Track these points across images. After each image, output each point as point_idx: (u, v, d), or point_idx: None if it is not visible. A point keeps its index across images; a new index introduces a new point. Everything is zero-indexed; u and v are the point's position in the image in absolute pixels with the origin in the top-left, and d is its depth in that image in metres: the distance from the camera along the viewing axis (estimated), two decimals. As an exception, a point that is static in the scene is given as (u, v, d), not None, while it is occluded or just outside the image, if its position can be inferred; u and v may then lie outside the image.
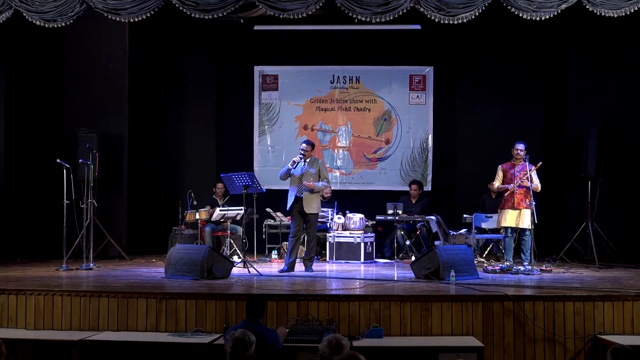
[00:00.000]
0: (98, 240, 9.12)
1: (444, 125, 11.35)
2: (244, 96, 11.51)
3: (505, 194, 8.36)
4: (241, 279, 7.09)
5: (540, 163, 8.33)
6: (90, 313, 6.00)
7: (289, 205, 8.09)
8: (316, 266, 8.49)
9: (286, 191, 8.25)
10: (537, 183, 8.27)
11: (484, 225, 9.64)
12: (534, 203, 7.96)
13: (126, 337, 5.73)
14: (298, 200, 8.04)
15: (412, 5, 7.46)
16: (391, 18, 7.55)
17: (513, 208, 8.26)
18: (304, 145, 8.17)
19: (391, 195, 10.65)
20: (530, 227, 8.02)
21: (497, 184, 8.55)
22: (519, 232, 8.39)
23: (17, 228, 9.37)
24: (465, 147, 11.21)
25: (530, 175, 8.19)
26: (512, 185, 8.27)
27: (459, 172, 11.24)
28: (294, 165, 8.07)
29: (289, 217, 9.02)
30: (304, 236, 8.41)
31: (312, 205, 8.08)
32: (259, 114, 11.51)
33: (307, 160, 8.14)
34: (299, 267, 8.29)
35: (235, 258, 9.12)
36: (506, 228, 8.39)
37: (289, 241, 8.19)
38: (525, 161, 8.26)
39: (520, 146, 8.35)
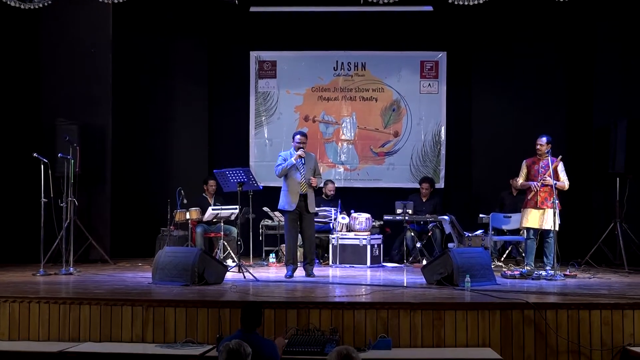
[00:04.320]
0: (79, 242, 9.11)
1: (458, 116, 11.35)
2: (239, 84, 11.51)
3: (528, 192, 8.36)
4: (236, 285, 7.09)
5: (560, 157, 8.31)
6: (70, 322, 5.99)
7: (290, 205, 8.05)
8: (318, 271, 8.51)
9: (285, 188, 8.25)
10: (563, 180, 8.26)
11: (502, 226, 9.62)
12: (556, 201, 7.94)
13: (109, 348, 5.72)
14: (301, 198, 8.04)
15: (423, -16, 7.44)
16: (400, -2, 7.53)
17: (536, 207, 8.26)
18: (301, 137, 8.15)
19: (400, 193, 10.64)
20: (554, 229, 7.99)
21: (520, 180, 8.56)
22: (541, 234, 8.38)
23: (-10, 229, 9.39)
24: (481, 140, 11.20)
25: (556, 171, 8.18)
26: (535, 183, 8.27)
27: (474, 168, 11.24)
28: (301, 160, 8.05)
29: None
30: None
31: (313, 204, 8.15)
32: (256, 104, 11.50)
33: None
34: (299, 272, 8.29)
35: (229, 262, 9.11)
36: (528, 229, 8.38)
37: (288, 245, 8.19)
38: (549, 156, 8.22)
39: (541, 140, 8.33)
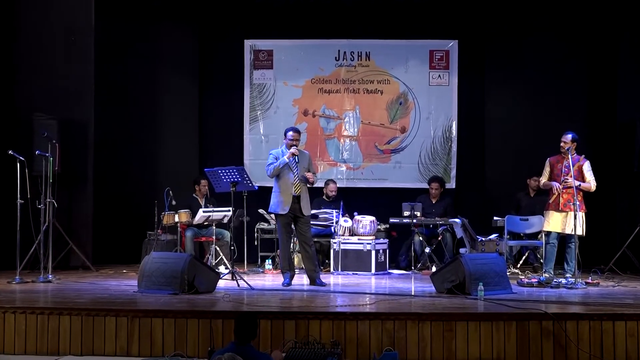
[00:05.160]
0: (58, 247, 9.10)
1: (471, 110, 11.34)
2: (232, 76, 11.51)
3: (550, 194, 8.35)
4: (229, 294, 7.09)
5: (583, 155, 8.32)
6: (49, 334, 5.98)
7: (283, 208, 8.03)
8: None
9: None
10: (589, 180, 8.25)
11: (518, 230, 9.62)
12: (577, 204, 7.93)
13: (92, 362, 5.74)
14: (295, 200, 8.02)
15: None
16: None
17: (558, 210, 8.27)
18: (294, 134, 8.12)
19: (408, 194, 10.63)
20: (579, 233, 7.95)
21: (543, 179, 8.56)
22: (563, 238, 8.38)
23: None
24: (496, 136, 11.20)
25: (581, 171, 8.20)
26: (557, 184, 8.25)
27: (488, 166, 11.24)
28: (294, 159, 8.04)
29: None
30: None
31: (308, 206, 8.14)
32: (250, 97, 11.50)
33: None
34: (297, 279, 8.30)
35: (221, 268, 9.11)
36: (549, 233, 8.39)
37: (282, 250, 8.19)
38: (569, 154, 8.19)
39: (565, 137, 8.30)
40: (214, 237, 9.43)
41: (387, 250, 9.71)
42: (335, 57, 11.44)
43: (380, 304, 6.63)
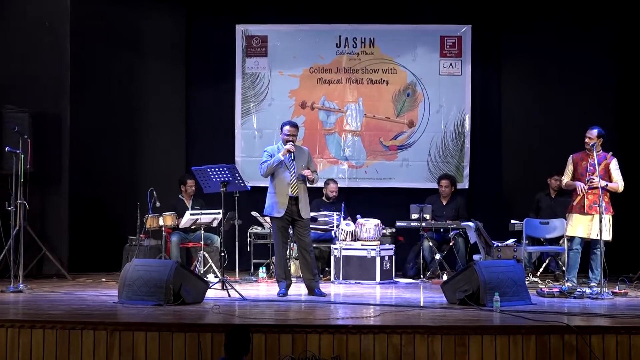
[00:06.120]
0: (30, 253, 9.11)
1: (486, 103, 11.35)
2: (223, 64, 11.51)
3: (574, 195, 8.35)
4: (219, 305, 7.09)
5: (611, 153, 8.32)
6: (20, 349, 5.97)
7: (278, 210, 8.02)
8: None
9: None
10: (617, 180, 8.26)
11: (538, 235, 9.62)
12: (603, 205, 7.93)
13: (67, 380, 5.73)
14: (292, 201, 8.02)
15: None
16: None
17: (582, 213, 8.26)
18: (290, 128, 8.12)
19: (416, 195, 10.64)
20: (605, 238, 7.95)
21: (566, 179, 8.56)
22: (588, 244, 8.39)
23: None
24: (513, 131, 11.21)
25: (608, 169, 8.19)
26: (581, 184, 8.25)
27: (505, 165, 11.25)
28: (290, 156, 8.04)
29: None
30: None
31: (307, 208, 8.13)
32: (243, 88, 11.51)
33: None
34: (293, 289, 8.29)
35: (210, 277, 9.10)
36: (572, 238, 8.38)
37: (277, 257, 8.18)
38: (594, 151, 8.18)
39: (590, 132, 8.30)
40: (202, 243, 9.43)
41: (394, 257, 9.71)
42: (336, 44, 11.43)
43: (386, 316, 6.62)
